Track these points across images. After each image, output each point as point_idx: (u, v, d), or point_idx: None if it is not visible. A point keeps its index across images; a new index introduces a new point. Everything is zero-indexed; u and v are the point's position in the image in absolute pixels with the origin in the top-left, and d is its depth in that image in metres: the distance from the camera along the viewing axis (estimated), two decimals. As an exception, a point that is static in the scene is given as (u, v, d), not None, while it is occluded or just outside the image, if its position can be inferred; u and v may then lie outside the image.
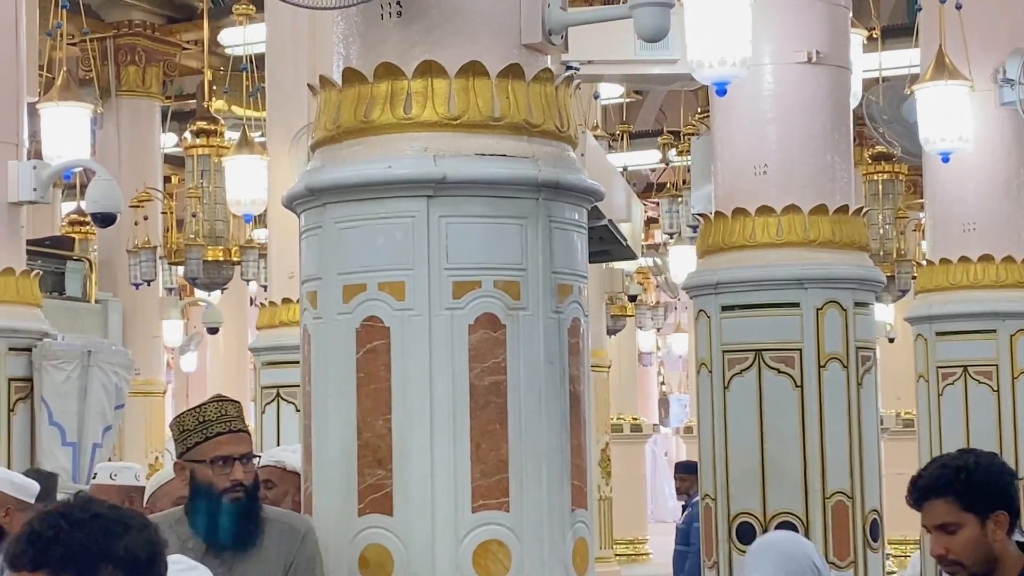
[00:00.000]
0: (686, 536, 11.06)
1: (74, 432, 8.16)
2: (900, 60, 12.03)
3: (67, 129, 9.13)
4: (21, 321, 8.11)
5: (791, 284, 6.95)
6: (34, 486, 5.97)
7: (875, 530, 7.00)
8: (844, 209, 7.04)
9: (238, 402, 4.34)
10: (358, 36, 4.39)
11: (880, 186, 14.36)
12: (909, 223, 14.79)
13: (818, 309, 6.92)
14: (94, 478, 5.94)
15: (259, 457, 4.39)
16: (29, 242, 9.08)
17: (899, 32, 12.88)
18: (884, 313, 16.69)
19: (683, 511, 11.47)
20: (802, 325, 6.92)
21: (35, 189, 8.00)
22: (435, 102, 4.24)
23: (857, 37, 8.43)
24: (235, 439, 4.19)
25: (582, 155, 5.49)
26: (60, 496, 6.98)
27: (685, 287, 7.50)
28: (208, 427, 4.18)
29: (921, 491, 3.56)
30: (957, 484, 3.50)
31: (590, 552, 4.40)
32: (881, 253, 13.96)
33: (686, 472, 11.53)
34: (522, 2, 4.33)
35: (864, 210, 7.41)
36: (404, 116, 4.25)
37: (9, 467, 7.95)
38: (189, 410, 4.29)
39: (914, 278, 10.79)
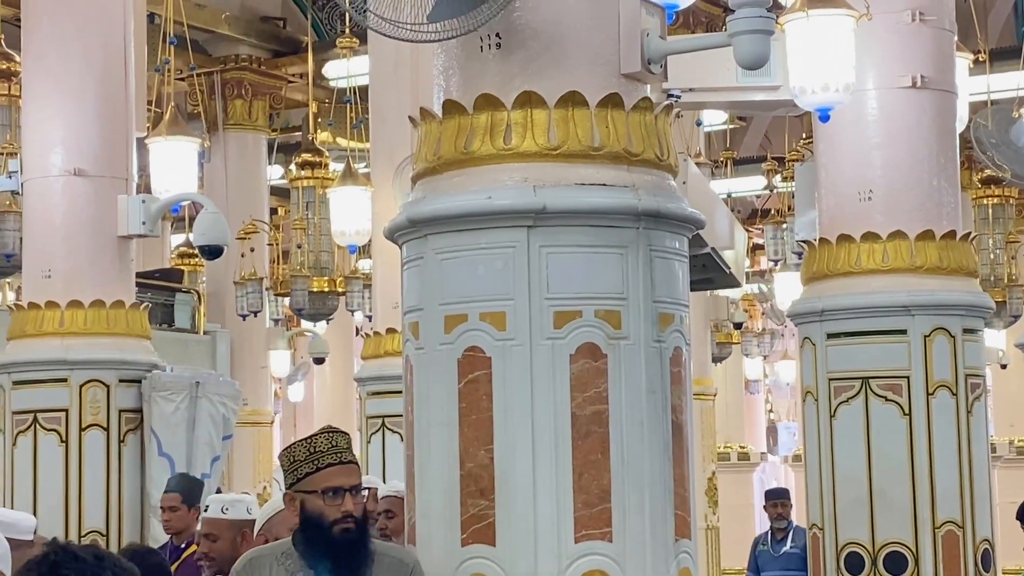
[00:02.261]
0: (802, 561, 10.99)
1: (183, 463, 8.25)
2: (1008, 83, 11.88)
3: (175, 163, 9.27)
4: (131, 353, 8.25)
5: (898, 311, 6.87)
6: (28, 521, 5.85)
7: (987, 560, 6.88)
8: (951, 235, 6.95)
9: (348, 434, 4.32)
10: (458, 68, 4.41)
11: (990, 210, 14.15)
12: (1020, 247, 14.54)
13: (926, 336, 6.83)
14: (206, 511, 5.90)
15: (368, 489, 4.37)
16: (139, 275, 9.23)
17: (1008, 55, 12.71)
18: (996, 339, 16.43)
19: (781, 535, 11.37)
20: (909, 352, 6.84)
21: (144, 223, 8.15)
22: (535, 132, 4.24)
23: (963, 61, 8.32)
24: (345, 471, 4.18)
25: (683, 183, 5.47)
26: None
27: (790, 314, 7.44)
28: (319, 458, 4.17)
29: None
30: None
31: (694, 582, 4.37)
32: (992, 278, 13.75)
33: (786, 497, 11.50)
34: (621, 32, 4.33)
35: (974, 235, 7.31)
36: (504, 147, 4.26)
37: (120, 497, 8.08)
38: (299, 441, 4.29)
39: (1025, 303, 10.61)
